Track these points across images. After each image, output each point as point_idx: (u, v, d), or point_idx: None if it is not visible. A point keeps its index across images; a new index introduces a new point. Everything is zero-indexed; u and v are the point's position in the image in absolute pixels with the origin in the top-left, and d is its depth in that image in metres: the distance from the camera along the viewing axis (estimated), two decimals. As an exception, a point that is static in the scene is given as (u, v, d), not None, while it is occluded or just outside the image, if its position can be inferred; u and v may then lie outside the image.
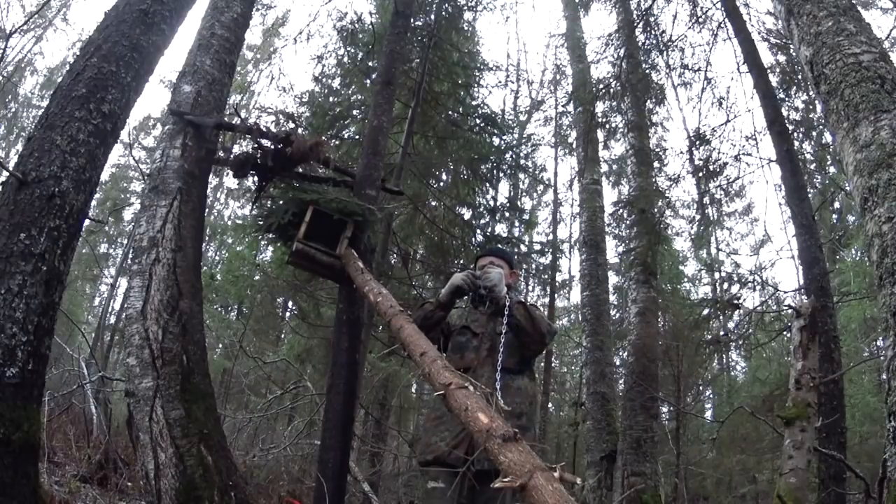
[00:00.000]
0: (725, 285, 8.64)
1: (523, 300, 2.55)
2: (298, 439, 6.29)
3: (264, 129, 3.20)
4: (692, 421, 10.85)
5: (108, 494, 3.76)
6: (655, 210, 7.08)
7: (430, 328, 2.54)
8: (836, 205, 8.75)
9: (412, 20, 6.08)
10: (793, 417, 2.68)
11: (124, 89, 2.96)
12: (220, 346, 11.75)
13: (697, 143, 7.07)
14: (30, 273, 2.45)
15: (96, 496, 3.70)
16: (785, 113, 6.35)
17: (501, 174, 8.60)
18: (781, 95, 6.64)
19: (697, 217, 7.82)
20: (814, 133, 7.12)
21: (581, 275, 8.09)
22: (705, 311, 7.51)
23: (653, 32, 7.47)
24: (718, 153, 7.03)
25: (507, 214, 8.99)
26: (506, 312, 2.45)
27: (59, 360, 6.97)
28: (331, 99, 7.50)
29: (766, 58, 6.61)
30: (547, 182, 13.75)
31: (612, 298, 10.91)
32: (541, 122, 13.35)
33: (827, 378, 3.97)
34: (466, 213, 7.40)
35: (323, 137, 4.35)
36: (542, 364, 12.52)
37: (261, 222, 3.36)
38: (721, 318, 7.61)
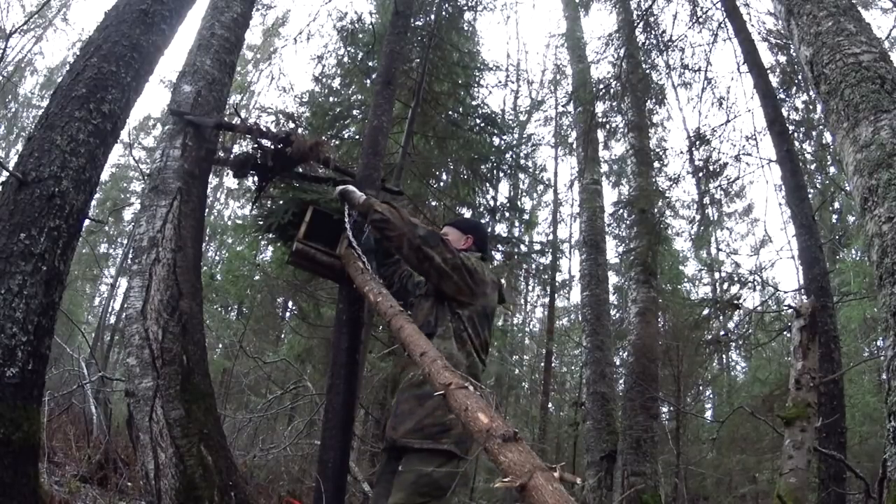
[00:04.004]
0: (725, 285, 8.64)
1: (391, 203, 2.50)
2: (298, 439, 6.29)
3: (264, 129, 3.19)
4: (692, 421, 10.85)
5: (108, 494, 3.76)
6: (655, 210, 7.08)
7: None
8: (836, 205, 8.75)
9: (412, 20, 6.08)
10: (793, 417, 2.68)
11: (124, 89, 2.96)
12: (220, 346, 11.75)
13: (697, 143, 7.08)
14: (30, 273, 2.45)
15: (96, 496, 3.70)
16: (785, 113, 6.35)
17: (501, 174, 8.60)
18: (781, 95, 6.65)
19: (697, 217, 7.83)
20: (814, 133, 7.13)
21: (581, 275, 8.10)
22: (705, 311, 7.52)
23: (653, 32, 7.48)
24: (718, 153, 7.05)
25: (507, 214, 9.00)
26: (346, 212, 2.50)
27: (59, 360, 6.97)
28: (331, 99, 7.50)
29: (766, 58, 6.62)
30: (547, 182, 13.76)
31: (612, 298, 10.90)
32: (541, 122, 13.35)
33: (827, 378, 3.97)
34: (466, 213, 7.40)
35: (323, 137, 4.34)
36: (543, 364, 12.53)
37: (261, 222, 3.35)
38: (721, 318, 7.61)
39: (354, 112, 7.23)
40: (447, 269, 2.31)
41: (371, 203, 2.53)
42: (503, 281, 2.54)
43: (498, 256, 7.66)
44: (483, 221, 3.34)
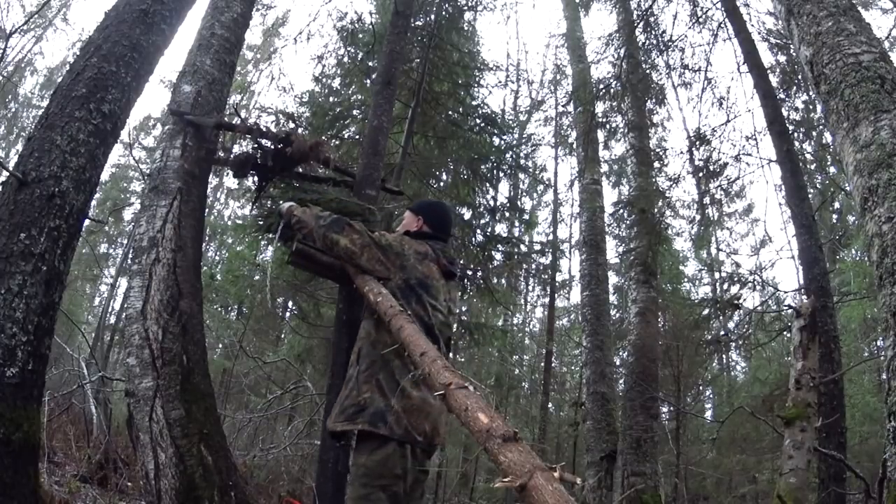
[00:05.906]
0: (725, 285, 8.65)
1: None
2: (298, 439, 6.30)
3: (264, 129, 3.19)
4: (692, 421, 10.85)
5: (108, 494, 3.77)
6: (655, 210, 7.08)
7: None
8: (836, 205, 8.76)
9: (412, 20, 6.08)
10: (793, 417, 2.68)
11: (124, 89, 2.96)
12: (220, 346, 11.75)
13: (697, 143, 7.07)
14: (30, 273, 2.45)
15: (96, 496, 3.70)
16: (785, 113, 6.35)
17: (501, 174, 8.61)
18: (781, 95, 6.64)
19: (697, 217, 7.82)
20: (814, 133, 7.13)
21: (581, 275, 8.09)
22: (705, 311, 7.52)
23: (653, 32, 7.47)
24: (718, 153, 7.04)
25: (507, 214, 9.00)
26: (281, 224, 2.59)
27: (59, 360, 6.97)
28: (331, 99, 7.51)
29: (766, 58, 6.62)
30: (547, 182, 13.78)
31: (612, 298, 10.91)
32: (541, 122, 13.37)
33: (827, 378, 3.97)
34: (466, 213, 7.40)
35: (323, 137, 4.34)
36: (543, 364, 12.53)
37: (261, 222, 3.35)
38: (721, 318, 7.60)
39: (354, 112, 7.23)
40: (355, 250, 2.42)
41: (291, 210, 2.62)
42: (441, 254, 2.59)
43: (498, 256, 7.66)
44: (442, 201, 3.42)
